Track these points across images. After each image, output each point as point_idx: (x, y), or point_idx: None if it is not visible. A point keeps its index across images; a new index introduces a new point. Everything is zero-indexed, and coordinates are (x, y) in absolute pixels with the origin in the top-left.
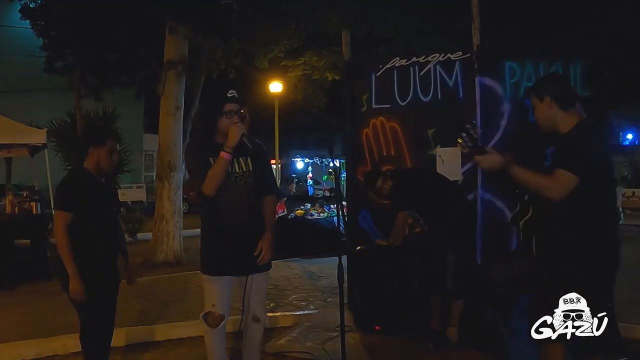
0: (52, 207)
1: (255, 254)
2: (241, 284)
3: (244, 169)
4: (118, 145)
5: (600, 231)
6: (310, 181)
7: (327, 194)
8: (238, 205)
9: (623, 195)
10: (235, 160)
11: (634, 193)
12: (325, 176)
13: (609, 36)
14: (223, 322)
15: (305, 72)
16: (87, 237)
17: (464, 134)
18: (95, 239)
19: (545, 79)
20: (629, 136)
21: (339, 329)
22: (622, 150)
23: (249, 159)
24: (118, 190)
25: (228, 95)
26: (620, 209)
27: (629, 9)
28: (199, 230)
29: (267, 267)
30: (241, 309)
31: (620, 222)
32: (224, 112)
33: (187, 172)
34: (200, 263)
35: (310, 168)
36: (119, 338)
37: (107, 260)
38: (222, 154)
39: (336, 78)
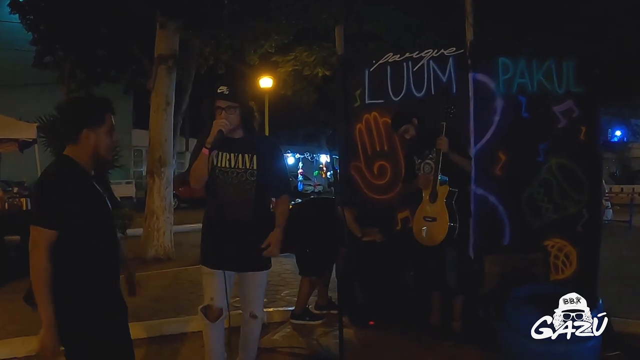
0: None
1: (263, 246)
2: (240, 280)
3: (247, 166)
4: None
5: None
6: (300, 177)
7: (317, 189)
8: (236, 201)
9: (609, 191)
10: (234, 156)
11: (622, 189)
12: (316, 171)
13: (601, 34)
14: (222, 317)
15: (295, 67)
16: (86, 258)
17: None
18: (97, 258)
19: None
20: (617, 133)
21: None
22: (610, 147)
23: (254, 156)
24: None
25: (217, 91)
26: (609, 204)
27: (629, 9)
28: (190, 225)
29: (265, 265)
30: (237, 305)
31: (610, 218)
32: (215, 108)
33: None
34: (200, 255)
35: (300, 164)
36: None
37: (112, 289)
38: (203, 149)
39: (326, 74)
